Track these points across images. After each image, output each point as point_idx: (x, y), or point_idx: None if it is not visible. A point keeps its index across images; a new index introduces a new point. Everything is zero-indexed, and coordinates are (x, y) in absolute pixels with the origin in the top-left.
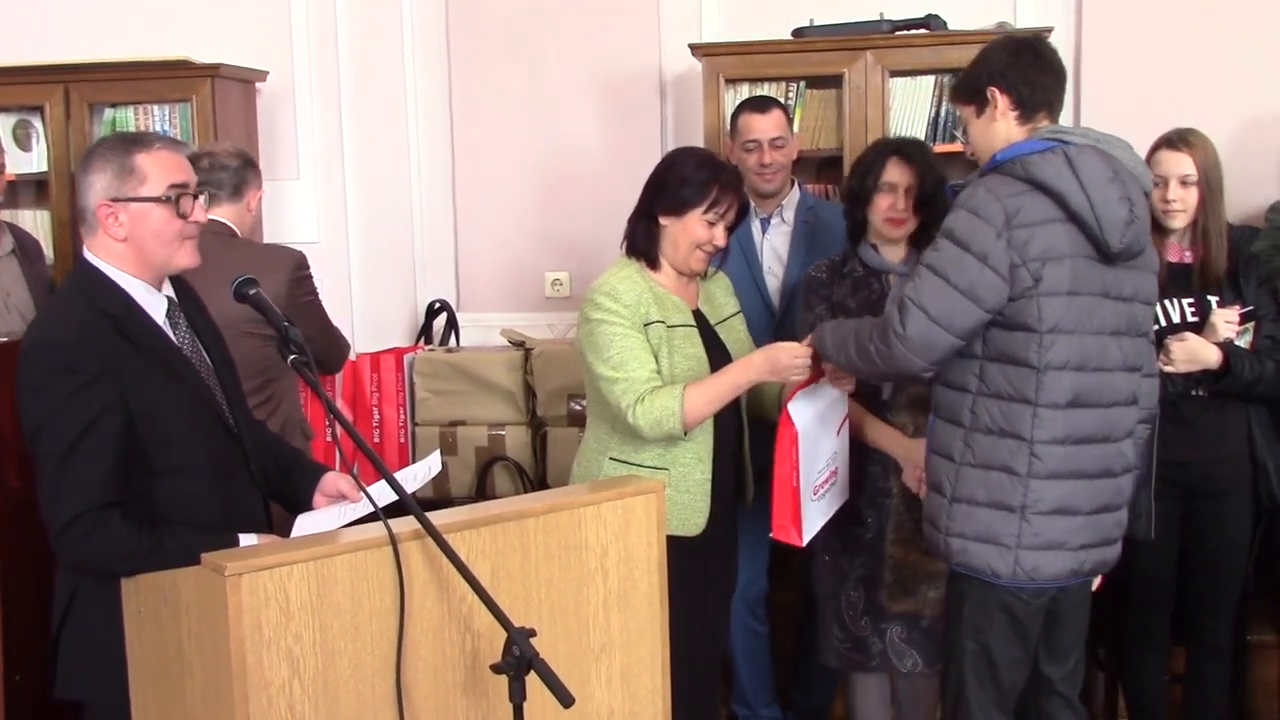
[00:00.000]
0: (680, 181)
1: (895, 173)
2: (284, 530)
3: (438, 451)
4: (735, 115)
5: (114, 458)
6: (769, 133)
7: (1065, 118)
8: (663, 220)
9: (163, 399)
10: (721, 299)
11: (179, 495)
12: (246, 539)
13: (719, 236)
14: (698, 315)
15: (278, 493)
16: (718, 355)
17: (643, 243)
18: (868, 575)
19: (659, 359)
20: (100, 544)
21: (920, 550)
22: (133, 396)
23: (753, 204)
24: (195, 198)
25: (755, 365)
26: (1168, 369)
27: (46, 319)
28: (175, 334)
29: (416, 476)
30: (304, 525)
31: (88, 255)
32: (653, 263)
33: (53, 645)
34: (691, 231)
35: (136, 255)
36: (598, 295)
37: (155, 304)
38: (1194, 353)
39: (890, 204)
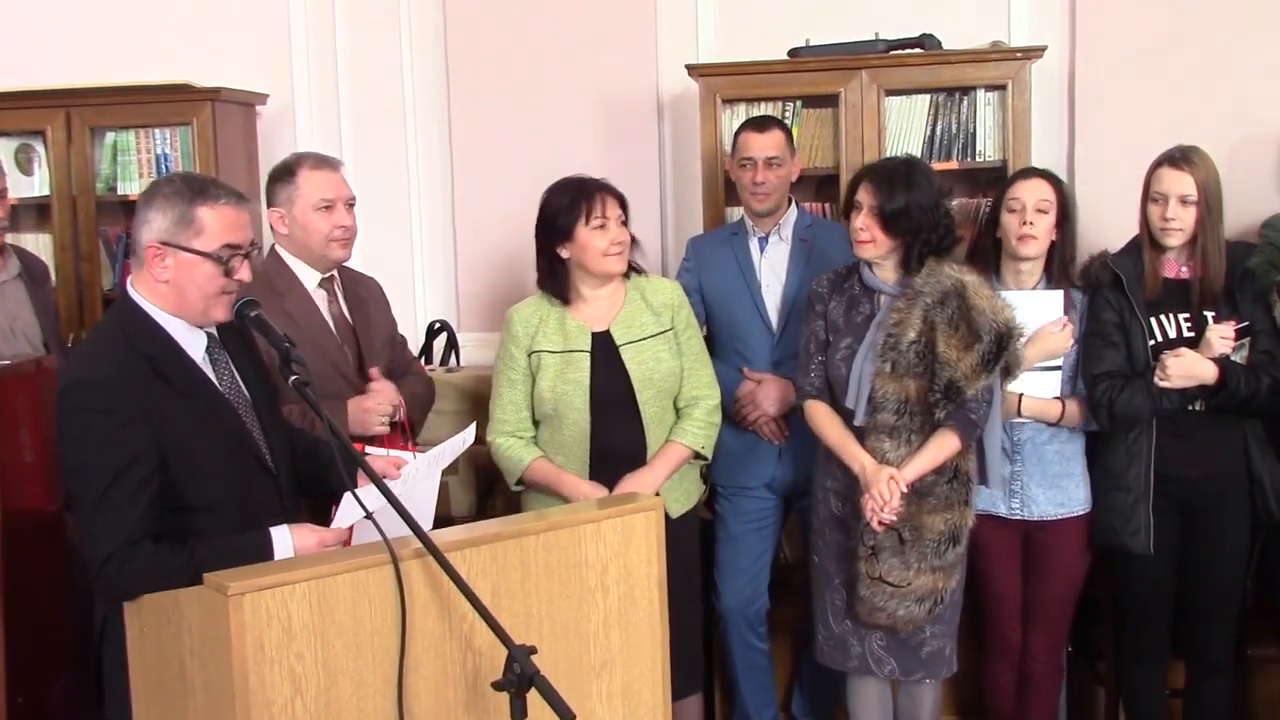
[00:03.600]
0: (554, 213)
1: (862, 194)
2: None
3: (474, 425)
4: (736, 133)
5: (148, 498)
6: (764, 151)
7: (1059, 137)
8: (563, 252)
9: (196, 438)
10: (646, 318)
11: (209, 531)
12: (278, 532)
13: (615, 235)
14: (600, 339)
15: (323, 492)
16: (609, 378)
17: (549, 281)
18: (848, 580)
19: (536, 382)
20: (137, 572)
21: (880, 572)
22: (167, 436)
23: (750, 223)
24: (246, 257)
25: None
26: (1164, 384)
27: (85, 356)
28: (214, 370)
29: (451, 450)
30: (349, 505)
31: (130, 290)
32: (563, 298)
33: (95, 670)
34: (591, 245)
35: (176, 298)
36: (506, 318)
37: (194, 342)
38: (1190, 368)
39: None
